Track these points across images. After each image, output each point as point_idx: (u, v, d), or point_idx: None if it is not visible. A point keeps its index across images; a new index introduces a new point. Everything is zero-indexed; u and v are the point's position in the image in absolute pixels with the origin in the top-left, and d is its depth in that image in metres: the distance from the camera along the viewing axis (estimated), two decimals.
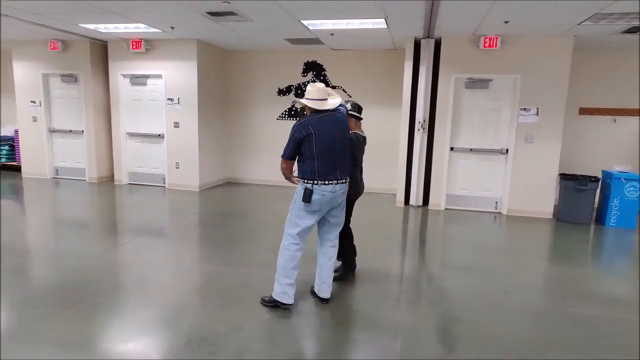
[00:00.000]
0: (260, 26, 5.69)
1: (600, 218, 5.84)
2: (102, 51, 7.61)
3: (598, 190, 5.82)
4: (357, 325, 2.94)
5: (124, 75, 7.44)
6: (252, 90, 7.95)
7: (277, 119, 7.88)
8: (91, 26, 6.15)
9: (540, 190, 6.08)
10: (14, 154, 8.47)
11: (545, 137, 5.97)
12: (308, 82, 7.61)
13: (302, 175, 2.96)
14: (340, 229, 3.23)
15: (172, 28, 6.11)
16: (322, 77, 7.56)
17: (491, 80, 6.08)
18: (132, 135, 7.62)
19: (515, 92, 6.00)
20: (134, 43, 7.00)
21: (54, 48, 7.34)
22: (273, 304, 3.06)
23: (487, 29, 5.50)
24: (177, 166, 7.41)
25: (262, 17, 5.20)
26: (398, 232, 5.46)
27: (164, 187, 7.53)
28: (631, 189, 5.54)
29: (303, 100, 2.97)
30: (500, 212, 6.32)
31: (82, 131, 7.73)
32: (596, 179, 5.71)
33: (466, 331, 2.85)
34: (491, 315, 3.10)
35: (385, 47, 7.05)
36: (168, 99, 7.25)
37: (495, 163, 6.28)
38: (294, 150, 2.93)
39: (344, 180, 3.03)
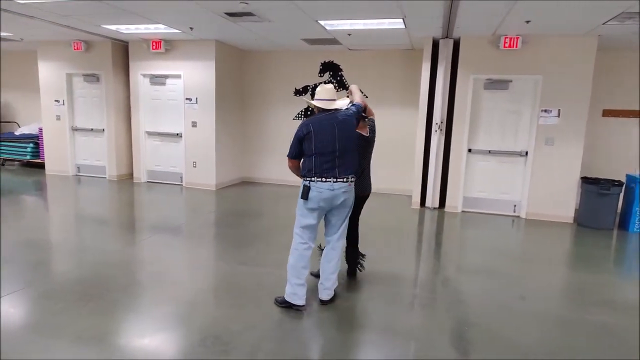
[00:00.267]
0: (277, 26, 5.72)
1: (624, 223, 5.67)
2: (123, 51, 7.77)
3: (621, 195, 5.64)
4: (371, 327, 2.92)
5: (144, 75, 7.58)
6: (268, 90, 7.99)
7: (294, 119, 7.90)
8: (113, 27, 6.28)
9: (560, 193, 5.94)
10: (38, 152, 8.71)
11: (566, 139, 5.83)
12: (325, 82, 7.62)
13: (302, 173, 3.03)
14: (342, 231, 3.16)
15: (191, 29, 6.20)
16: (338, 78, 7.55)
17: (511, 81, 5.96)
18: (151, 134, 7.76)
19: (536, 93, 5.88)
20: (154, 43, 7.13)
21: (77, 48, 7.52)
22: (285, 305, 3.07)
23: (507, 28, 5.40)
24: (194, 165, 7.51)
25: (280, 17, 5.22)
26: (413, 234, 5.41)
27: (181, 185, 7.64)
28: None
29: (311, 101, 3.08)
30: (518, 216, 6.19)
31: (103, 130, 7.91)
32: (620, 183, 5.55)
33: (481, 336, 2.80)
34: (507, 320, 3.04)
35: (403, 48, 7.00)
36: (186, 99, 7.35)
37: (514, 165, 6.16)
38: (297, 149, 3.02)
39: (344, 180, 2.98)
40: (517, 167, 6.15)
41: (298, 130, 3.01)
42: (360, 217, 3.62)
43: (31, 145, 8.73)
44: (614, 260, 4.79)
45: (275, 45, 7.23)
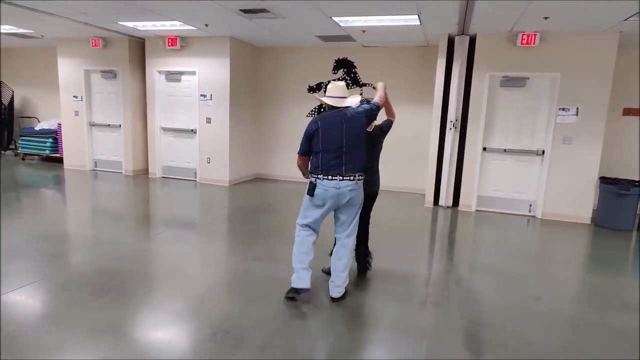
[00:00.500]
0: (291, 23, 5.72)
1: None
2: (139, 48, 7.87)
3: None
4: (382, 325, 2.91)
5: (160, 72, 7.67)
6: (282, 87, 8.01)
7: (307, 115, 7.90)
8: (130, 24, 6.37)
9: (578, 193, 5.82)
10: (57, 147, 8.91)
11: (585, 138, 5.70)
12: (338, 79, 7.60)
13: (310, 170, 3.06)
14: (352, 229, 3.15)
15: (207, 25, 6.24)
16: (352, 75, 7.52)
17: (528, 78, 5.85)
18: (166, 130, 7.85)
19: (553, 91, 5.76)
20: (170, 40, 7.20)
21: (95, 45, 7.65)
22: (292, 294, 3.10)
23: (525, 25, 5.30)
24: (208, 161, 7.58)
25: (294, 14, 5.22)
26: (426, 233, 5.37)
27: (195, 181, 7.73)
28: None
29: (322, 98, 3.07)
30: (534, 216, 6.09)
31: (120, 125, 8.04)
32: None
33: (495, 336, 2.77)
34: (521, 321, 3.00)
35: (418, 44, 6.93)
36: (201, 95, 7.42)
37: (531, 164, 6.06)
38: (306, 146, 3.03)
39: (351, 178, 2.96)
40: (533, 166, 6.04)
41: (307, 127, 3.02)
42: (373, 215, 3.61)
43: (50, 140, 8.92)
44: (632, 263, 4.67)
45: (289, 42, 7.24)
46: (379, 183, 3.52)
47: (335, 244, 3.33)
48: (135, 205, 6.21)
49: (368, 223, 3.58)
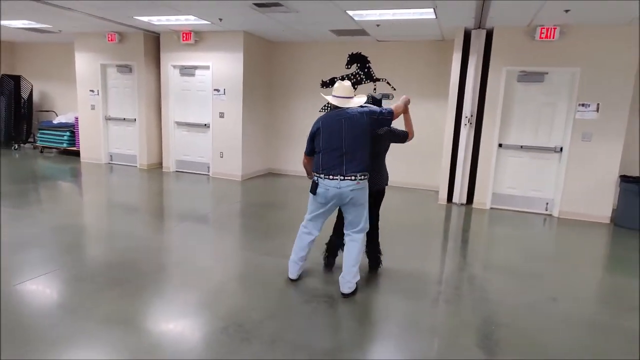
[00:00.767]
0: (305, 17, 5.68)
1: None
2: (154, 43, 7.93)
3: None
4: (393, 322, 2.88)
5: (174, 66, 7.72)
6: (295, 82, 7.98)
7: (320, 111, 7.86)
8: (145, 18, 6.41)
9: (597, 192, 5.67)
10: (74, 140, 9.06)
11: (605, 135, 5.54)
12: (352, 74, 7.54)
13: (313, 169, 3.10)
14: (362, 227, 3.14)
15: (220, 20, 6.24)
16: (366, 69, 7.45)
17: (547, 73, 5.71)
18: (180, 124, 7.91)
19: (573, 86, 5.61)
20: (184, 35, 7.23)
21: (111, 40, 7.73)
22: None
23: (544, 18, 5.16)
24: (221, 155, 7.62)
25: (308, 8, 5.18)
26: (439, 230, 5.30)
27: (208, 175, 7.77)
28: None
29: (327, 97, 3.10)
30: (550, 214, 5.96)
31: (135, 119, 8.12)
32: None
33: (509, 336, 2.72)
34: (537, 322, 2.94)
35: (433, 39, 6.82)
36: (214, 90, 7.45)
37: (548, 161, 5.92)
38: (310, 146, 3.11)
39: (353, 178, 2.95)
40: (551, 164, 5.91)
41: (311, 127, 3.08)
42: (385, 212, 3.58)
43: (68, 133, 9.08)
44: None
45: (303, 36, 7.20)
46: (385, 180, 3.48)
47: (327, 245, 3.55)
48: (149, 199, 6.28)
49: (377, 220, 3.56)
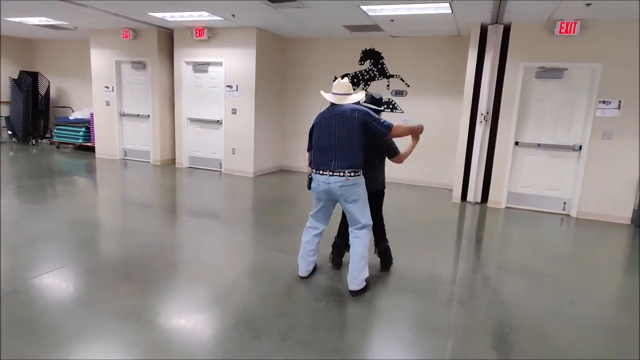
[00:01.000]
0: (318, 12, 5.62)
1: None
2: (168, 39, 7.97)
3: None
4: (404, 322, 2.83)
5: (187, 63, 7.75)
6: (308, 78, 7.94)
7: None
8: (159, 15, 6.44)
9: (617, 192, 5.51)
10: (90, 136, 9.18)
11: (627, 133, 5.37)
12: (365, 70, 7.46)
13: (309, 164, 3.22)
14: (364, 223, 3.10)
15: (233, 16, 6.23)
16: (379, 66, 7.37)
17: (566, 69, 5.56)
18: (192, 120, 7.94)
19: (593, 82, 5.45)
20: (198, 31, 7.24)
21: (126, 36, 7.79)
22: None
23: (564, 13, 5.01)
24: (233, 152, 7.63)
25: (321, 3, 5.12)
26: (453, 229, 5.21)
27: (221, 171, 7.80)
28: None
29: (326, 95, 3.17)
30: (568, 214, 5.82)
31: (148, 115, 8.19)
32: None
33: (524, 340, 2.64)
34: (553, 325, 2.85)
35: (448, 34, 6.70)
36: (227, 86, 7.45)
37: (566, 160, 5.77)
38: (309, 142, 3.22)
39: (341, 174, 2.95)
40: (569, 162, 5.76)
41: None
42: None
43: (83, 129, 9.20)
44: None
45: (316, 32, 7.14)
46: (382, 182, 3.45)
47: (333, 246, 3.57)
48: (162, 195, 6.32)
49: (381, 220, 3.51)
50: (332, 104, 3.11)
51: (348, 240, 3.30)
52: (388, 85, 7.35)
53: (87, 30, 8.19)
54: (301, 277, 3.34)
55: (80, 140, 9.26)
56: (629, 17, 5.07)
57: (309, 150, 3.27)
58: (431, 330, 2.72)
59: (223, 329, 2.60)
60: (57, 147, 9.64)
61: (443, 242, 4.63)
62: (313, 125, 3.15)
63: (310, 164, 3.19)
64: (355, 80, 7.55)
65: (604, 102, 5.41)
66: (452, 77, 6.86)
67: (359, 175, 3.03)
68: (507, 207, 6.07)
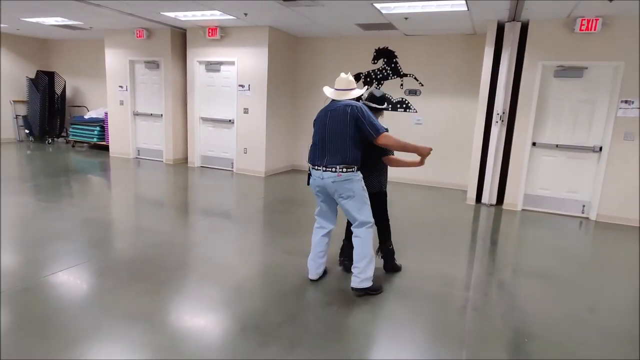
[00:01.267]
0: (331, 11, 5.56)
1: None
2: (181, 39, 8.00)
3: None
4: (417, 328, 2.76)
5: (200, 62, 7.76)
6: (320, 77, 7.88)
7: None
8: (172, 14, 6.45)
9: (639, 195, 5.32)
10: (104, 135, 9.29)
11: None
12: (379, 69, 7.37)
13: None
14: (360, 222, 3.03)
15: (246, 15, 6.21)
16: (393, 65, 7.27)
17: (586, 68, 5.39)
18: (205, 120, 7.96)
19: (615, 82, 5.27)
20: (210, 30, 7.25)
21: (139, 36, 7.85)
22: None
23: (585, 9, 4.85)
24: (245, 151, 7.62)
25: (334, 2, 5.06)
26: (467, 231, 5.10)
27: (232, 171, 7.80)
28: None
29: (325, 90, 3.15)
30: (587, 218, 5.65)
31: (161, 115, 8.23)
32: None
33: (542, 350, 2.54)
34: (573, 334, 2.75)
35: (464, 32, 6.57)
36: (239, 85, 7.44)
37: (586, 162, 5.60)
38: (313, 137, 3.15)
39: (333, 169, 2.92)
40: (589, 164, 5.59)
41: None
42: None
43: (98, 128, 9.31)
44: None
45: (328, 31, 7.08)
46: (384, 183, 3.38)
47: (341, 250, 3.57)
48: (175, 194, 6.34)
49: (384, 221, 3.44)
50: (333, 100, 3.07)
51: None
52: (402, 85, 7.25)
53: (101, 30, 8.28)
54: (311, 279, 3.29)
55: (95, 139, 9.37)
56: None
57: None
58: (444, 337, 2.64)
59: (230, 334, 2.56)
60: (73, 146, 9.77)
61: (457, 244, 4.53)
62: (314, 121, 3.17)
63: (308, 160, 3.18)
64: (368, 79, 7.47)
65: (626, 101, 5.23)
66: (467, 76, 6.73)
67: (352, 171, 2.95)
68: (523, 210, 5.92)
